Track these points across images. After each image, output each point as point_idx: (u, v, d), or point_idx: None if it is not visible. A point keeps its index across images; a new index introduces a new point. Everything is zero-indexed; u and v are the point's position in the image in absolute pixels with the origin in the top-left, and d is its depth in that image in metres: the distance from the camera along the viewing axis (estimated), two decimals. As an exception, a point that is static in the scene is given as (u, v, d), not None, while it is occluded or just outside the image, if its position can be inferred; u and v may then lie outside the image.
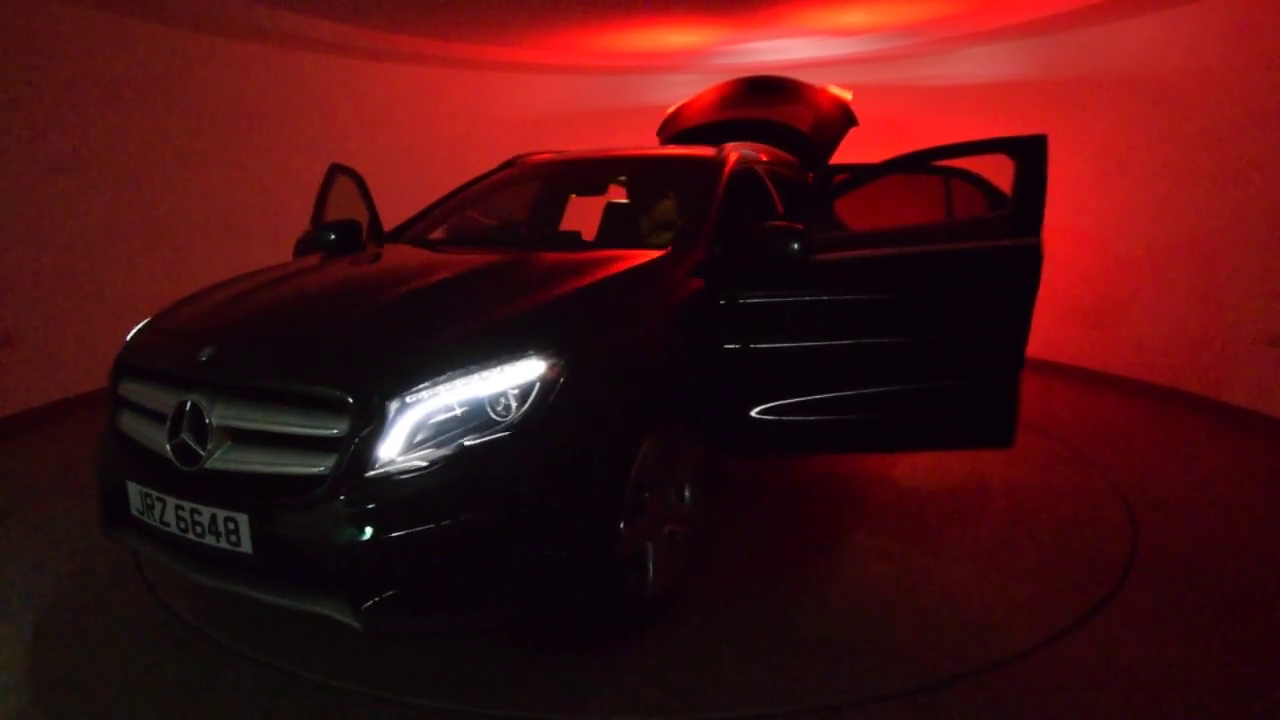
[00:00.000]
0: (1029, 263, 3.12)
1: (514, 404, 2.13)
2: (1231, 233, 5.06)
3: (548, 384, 2.16)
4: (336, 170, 4.09)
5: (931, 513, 3.64)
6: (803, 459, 4.27)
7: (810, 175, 4.46)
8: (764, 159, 3.86)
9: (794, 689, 2.31)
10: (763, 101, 4.94)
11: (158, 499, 2.22)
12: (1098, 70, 5.93)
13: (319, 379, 2.16)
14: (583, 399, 2.24)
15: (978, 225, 3.54)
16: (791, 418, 3.18)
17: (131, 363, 2.54)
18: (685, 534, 2.79)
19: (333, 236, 3.42)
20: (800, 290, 3.10)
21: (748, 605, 2.78)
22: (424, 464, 2.05)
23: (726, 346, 3.02)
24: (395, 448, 2.05)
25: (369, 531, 2.00)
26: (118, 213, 5.52)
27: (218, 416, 2.18)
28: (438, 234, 3.68)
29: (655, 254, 2.91)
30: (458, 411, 2.10)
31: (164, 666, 2.41)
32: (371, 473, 2.03)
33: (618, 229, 3.63)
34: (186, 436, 2.20)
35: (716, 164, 3.49)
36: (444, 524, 2.04)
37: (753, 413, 3.13)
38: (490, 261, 2.97)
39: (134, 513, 2.32)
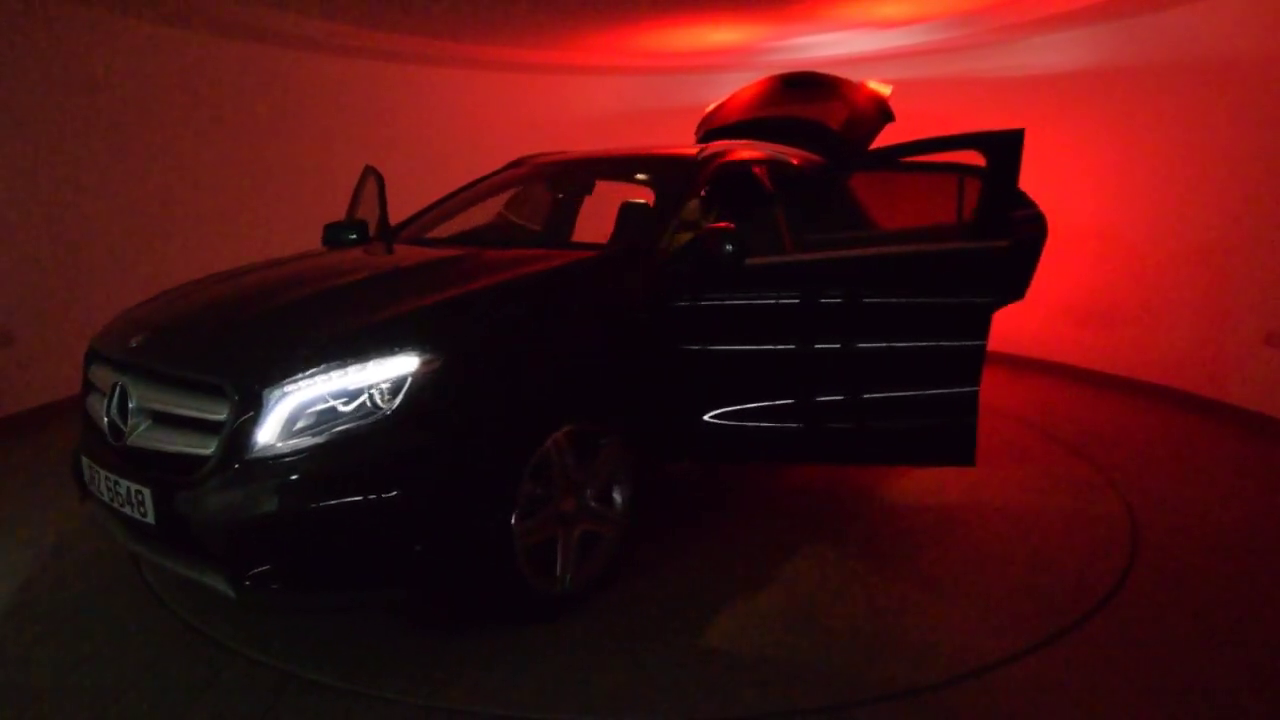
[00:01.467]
0: (993, 269, 2.98)
1: (386, 397, 2.23)
2: None
3: (420, 379, 2.26)
4: (369, 171, 4.23)
5: (909, 524, 3.49)
6: (795, 469, 4.11)
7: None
8: (762, 157, 3.77)
9: (658, 699, 2.29)
10: (797, 99, 4.83)
11: (95, 470, 2.47)
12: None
13: (208, 368, 2.36)
14: (461, 395, 2.35)
15: (971, 228, 3.36)
16: (741, 424, 3.12)
17: (95, 348, 2.76)
18: (612, 536, 2.84)
19: (343, 234, 3.68)
20: (738, 294, 3.04)
21: (663, 611, 2.76)
22: (301, 450, 2.18)
23: (676, 349, 3.01)
24: (272, 433, 2.19)
25: (245, 510, 2.17)
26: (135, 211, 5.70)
27: (137, 398, 2.42)
28: (432, 231, 3.79)
29: (586, 255, 3.02)
30: (334, 402, 2.22)
31: (164, 666, 2.42)
32: (250, 456, 2.17)
33: (630, 227, 3.60)
34: (115, 415, 2.45)
35: (692, 164, 3.44)
36: (317, 506, 2.18)
37: (704, 418, 3.09)
38: (421, 260, 3.12)
39: (85, 482, 2.56)
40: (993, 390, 5.69)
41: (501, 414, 2.44)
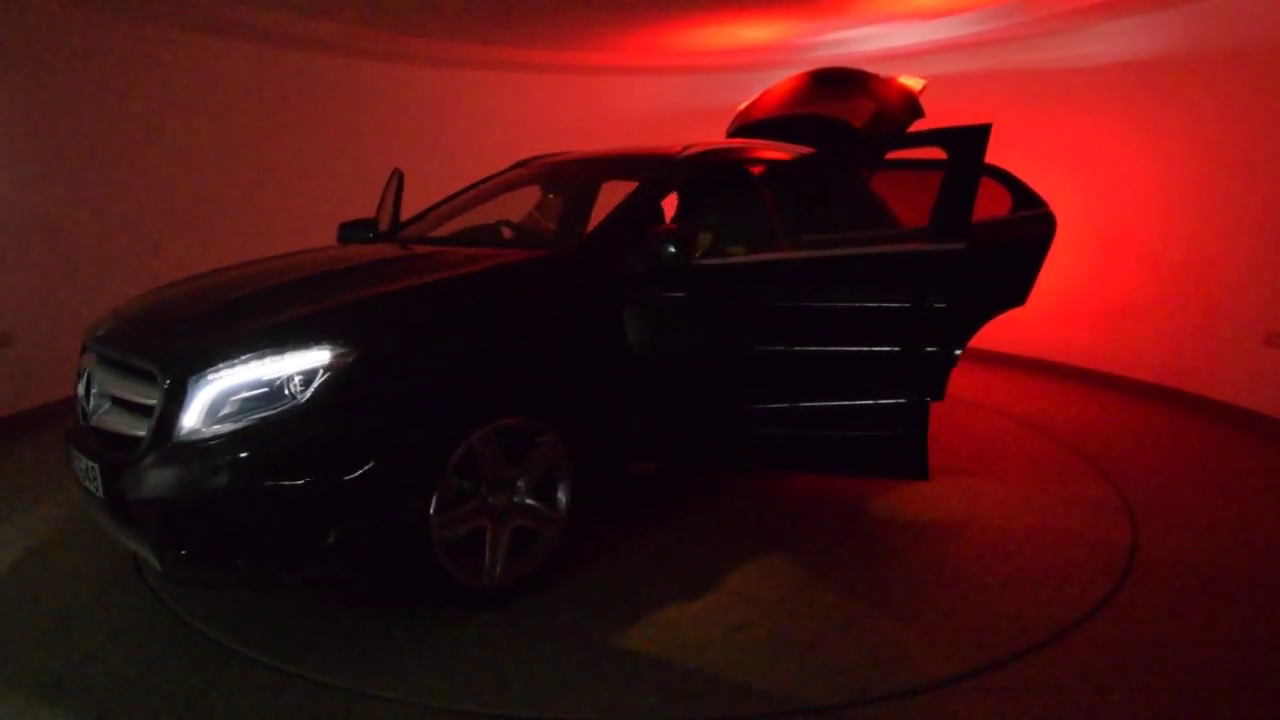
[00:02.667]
0: (947, 273, 2.88)
1: (300, 387, 2.33)
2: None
3: (332, 371, 2.35)
4: (395, 173, 4.39)
5: (888, 534, 3.38)
6: (788, 477, 4.01)
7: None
8: (752, 156, 3.70)
9: (557, 697, 2.30)
10: (826, 95, 4.70)
11: (69, 448, 2.67)
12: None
13: (145, 356, 2.52)
14: (374, 388, 2.43)
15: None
16: (686, 427, 3.10)
17: (84, 336, 2.93)
18: (550, 534, 2.87)
19: (353, 232, 3.85)
20: (683, 294, 3.01)
21: (595, 610, 2.76)
22: (222, 435, 2.30)
23: (623, 349, 3.00)
24: (197, 418, 2.32)
25: (170, 489, 2.30)
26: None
27: (98, 382, 2.64)
28: (433, 230, 3.84)
29: (530, 254, 3.08)
30: (254, 391, 2.33)
31: (164, 666, 2.43)
32: (177, 439, 2.32)
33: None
34: (83, 397, 2.69)
35: (669, 163, 3.41)
36: (234, 489, 2.29)
37: (652, 419, 3.09)
38: (372, 259, 3.19)
39: (69, 461, 2.71)
40: (994, 391, 5.74)
41: (416, 408, 2.50)
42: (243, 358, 2.35)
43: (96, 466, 2.46)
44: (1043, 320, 6.21)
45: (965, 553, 3.21)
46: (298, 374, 2.33)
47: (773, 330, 3.07)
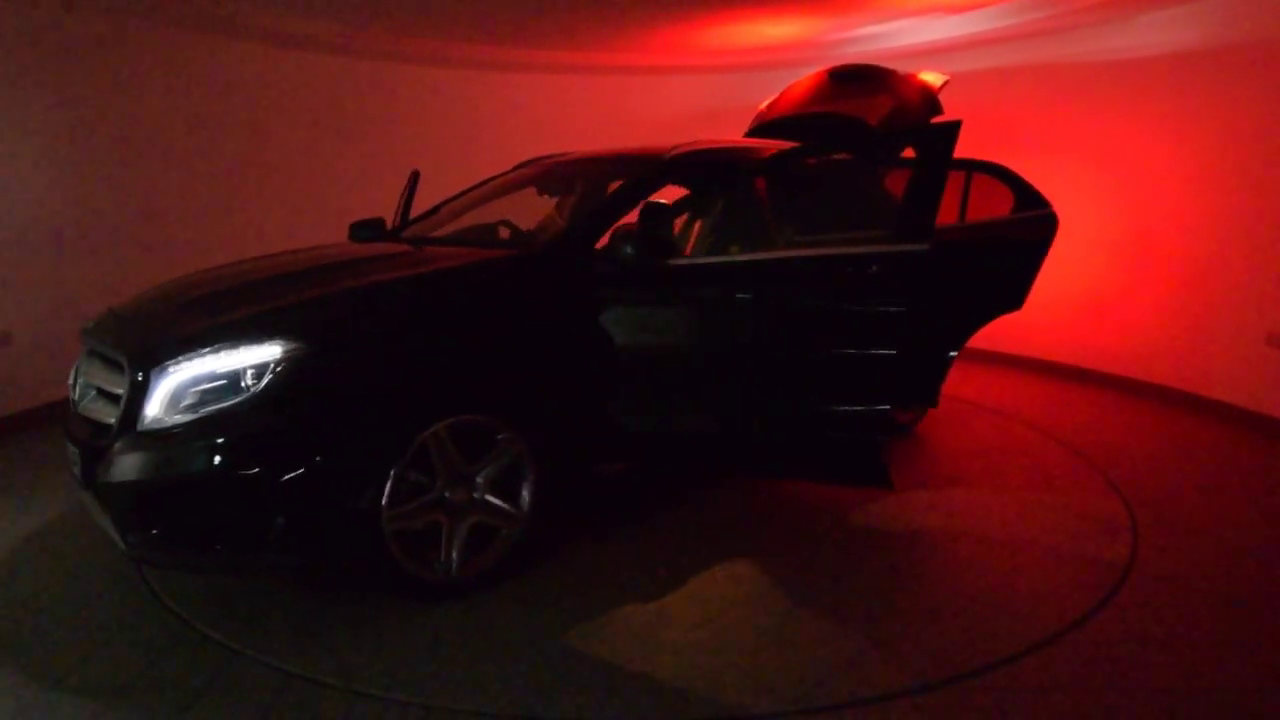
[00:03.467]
0: (912, 275, 2.83)
1: (252, 380, 2.43)
2: None
3: (283, 366, 2.44)
4: (414, 174, 4.49)
5: (867, 543, 3.30)
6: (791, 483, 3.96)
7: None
8: (751, 154, 3.66)
9: (489, 692, 2.33)
10: (844, 93, 4.65)
11: (64, 437, 2.77)
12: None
13: (117, 347, 2.64)
14: (324, 383, 2.51)
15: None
16: (648, 429, 3.10)
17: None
18: (511, 530, 2.90)
19: (361, 231, 3.92)
20: (643, 295, 3.02)
21: (546, 608, 2.78)
22: (181, 424, 2.42)
23: (589, 349, 3.02)
24: (159, 407, 2.45)
25: (131, 474, 2.42)
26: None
27: (85, 372, 2.79)
28: (435, 230, 3.88)
29: (496, 254, 3.10)
30: (212, 384, 2.44)
31: (164, 666, 2.45)
32: (142, 427, 2.45)
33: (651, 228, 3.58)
34: (72, 386, 2.83)
35: (651, 164, 3.39)
36: (190, 475, 2.39)
37: (615, 420, 3.09)
38: (346, 257, 3.23)
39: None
40: (992, 391, 5.70)
41: (366, 403, 2.56)
42: (200, 351, 2.47)
43: (78, 451, 2.61)
44: (1063, 323, 6.13)
45: (957, 556, 3.17)
46: (250, 368, 2.44)
47: (732, 332, 3.05)
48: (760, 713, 2.26)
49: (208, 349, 2.47)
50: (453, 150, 6.92)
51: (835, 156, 3.85)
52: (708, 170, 3.60)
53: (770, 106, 5.24)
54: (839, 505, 3.60)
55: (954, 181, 4.02)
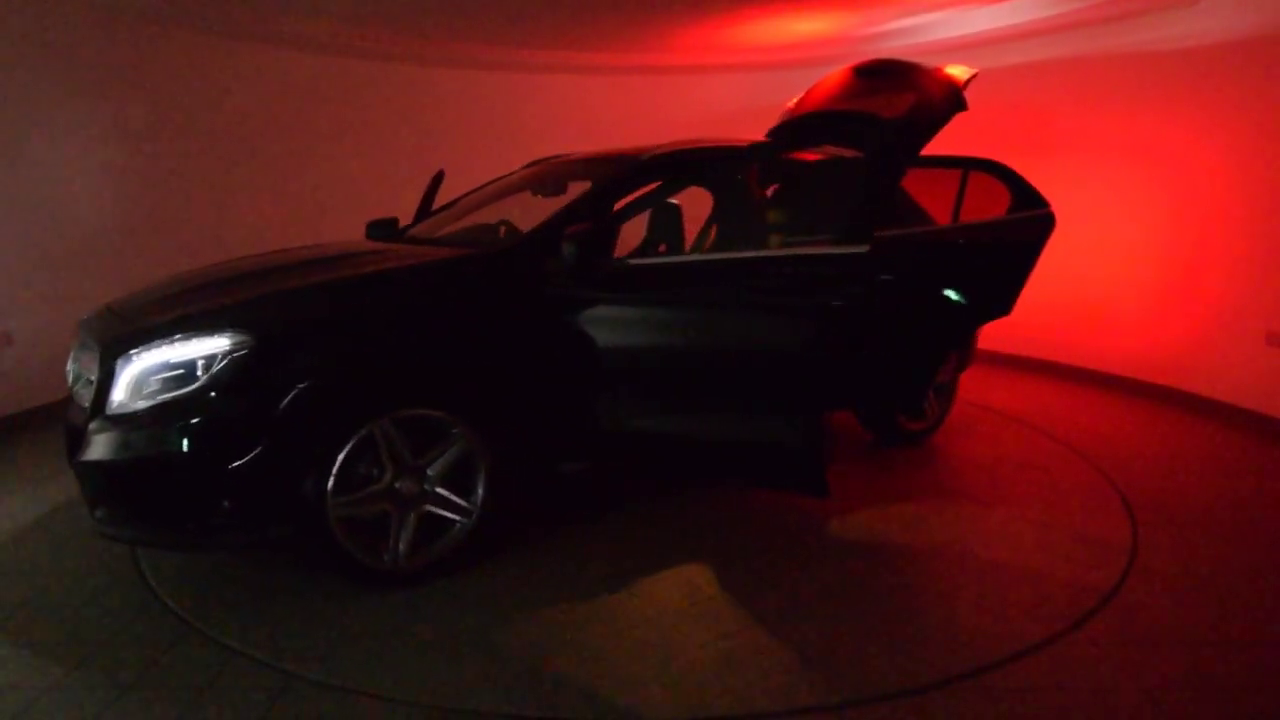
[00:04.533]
0: (851, 277, 2.80)
1: (201, 370, 2.57)
2: None
3: (229, 357, 2.57)
4: (437, 175, 4.62)
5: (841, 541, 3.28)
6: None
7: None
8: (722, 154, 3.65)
9: (410, 684, 2.38)
10: (866, 89, 4.54)
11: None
12: None
13: (96, 337, 2.81)
14: (271, 373, 2.62)
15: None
16: (595, 428, 3.13)
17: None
18: (463, 523, 2.95)
19: (376, 230, 4.02)
20: (594, 296, 3.04)
21: (489, 602, 2.82)
22: (142, 409, 2.59)
23: (539, 348, 3.06)
24: (124, 393, 2.63)
25: (98, 454, 2.60)
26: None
27: (76, 360, 2.95)
28: (434, 231, 3.92)
29: (456, 253, 3.17)
30: (169, 372, 2.59)
31: (163, 666, 2.46)
32: (110, 412, 2.64)
33: (661, 229, 3.59)
34: (68, 374, 3.00)
35: (626, 165, 3.40)
36: (145, 457, 2.56)
37: (573, 419, 3.14)
38: (316, 256, 3.32)
39: None
40: (993, 389, 5.60)
41: (310, 395, 2.65)
42: (158, 342, 2.63)
43: (65, 433, 2.84)
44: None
45: (925, 575, 3.11)
46: (201, 358, 2.59)
47: (669, 334, 3.07)
48: (759, 712, 2.24)
49: (164, 340, 2.63)
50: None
51: (806, 157, 3.81)
52: (678, 172, 3.61)
53: (798, 104, 5.15)
54: (813, 514, 3.55)
55: (950, 180, 3.91)
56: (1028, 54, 6.14)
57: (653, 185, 3.43)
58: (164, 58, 5.75)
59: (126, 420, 2.61)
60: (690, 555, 3.19)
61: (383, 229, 3.98)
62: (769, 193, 4.06)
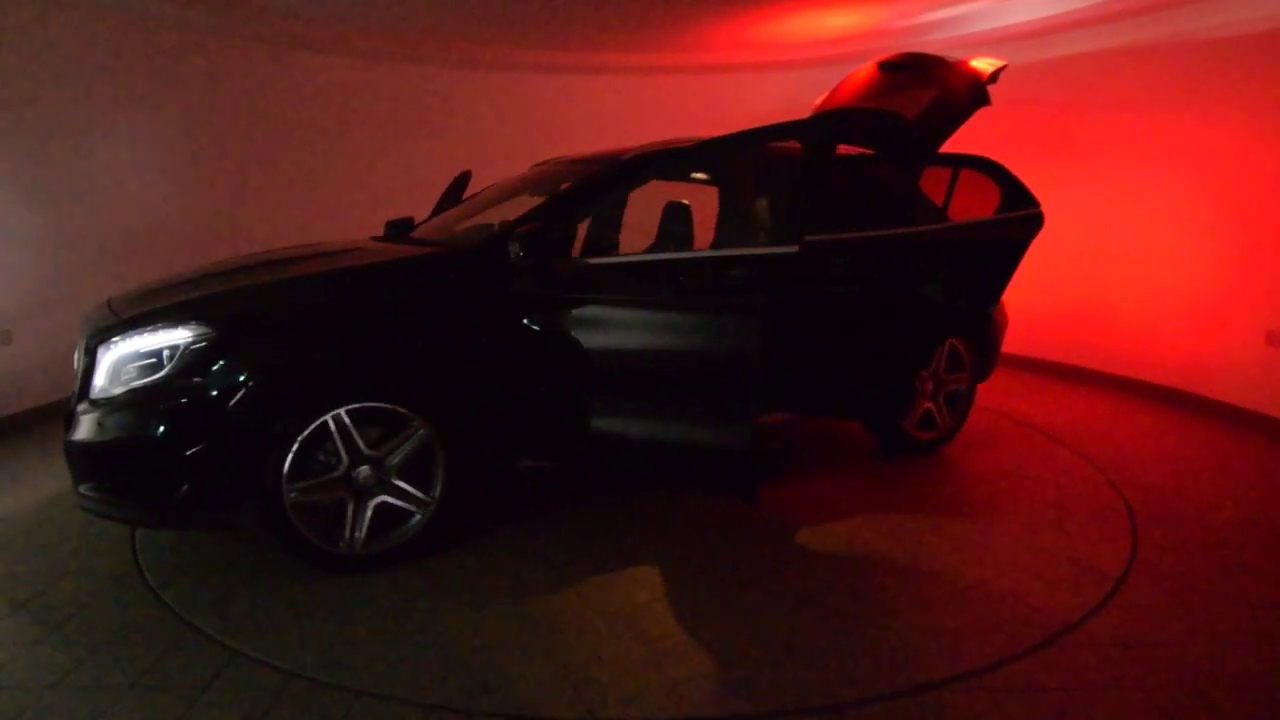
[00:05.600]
0: (782, 278, 2.77)
1: (166, 359, 2.73)
2: None
3: (192, 347, 2.74)
4: (461, 175, 4.80)
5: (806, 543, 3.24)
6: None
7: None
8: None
9: (337, 663, 2.48)
10: (892, 85, 4.43)
11: None
12: None
13: (85, 326, 3.02)
14: (229, 364, 2.74)
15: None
16: (544, 426, 3.18)
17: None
18: (420, 514, 3.05)
19: (391, 230, 4.12)
20: (543, 295, 3.07)
21: (432, 593, 2.90)
22: (117, 394, 2.77)
23: (505, 348, 3.11)
24: (104, 379, 2.81)
25: (79, 435, 2.80)
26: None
27: (79, 348, 3.03)
28: (436, 231, 3.95)
29: (419, 252, 3.29)
30: (142, 361, 2.76)
31: (164, 666, 2.47)
32: (92, 396, 2.82)
33: (671, 228, 3.59)
34: (75, 362, 3.07)
35: (607, 165, 3.40)
36: (117, 440, 2.73)
37: (532, 416, 3.18)
38: (299, 254, 3.44)
39: None
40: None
41: (267, 385, 2.78)
42: (132, 332, 2.80)
43: (64, 420, 2.98)
44: (1060, 323, 5.96)
45: (907, 575, 3.05)
46: (166, 348, 2.75)
47: (619, 334, 3.06)
48: (758, 712, 2.25)
49: (136, 330, 2.79)
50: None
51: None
52: (654, 172, 3.60)
53: (825, 101, 5.06)
54: (797, 520, 3.51)
55: (941, 179, 3.80)
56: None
57: (634, 185, 3.42)
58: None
59: (106, 404, 2.79)
60: (652, 556, 3.20)
61: (398, 229, 4.05)
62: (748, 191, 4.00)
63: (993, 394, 5.40)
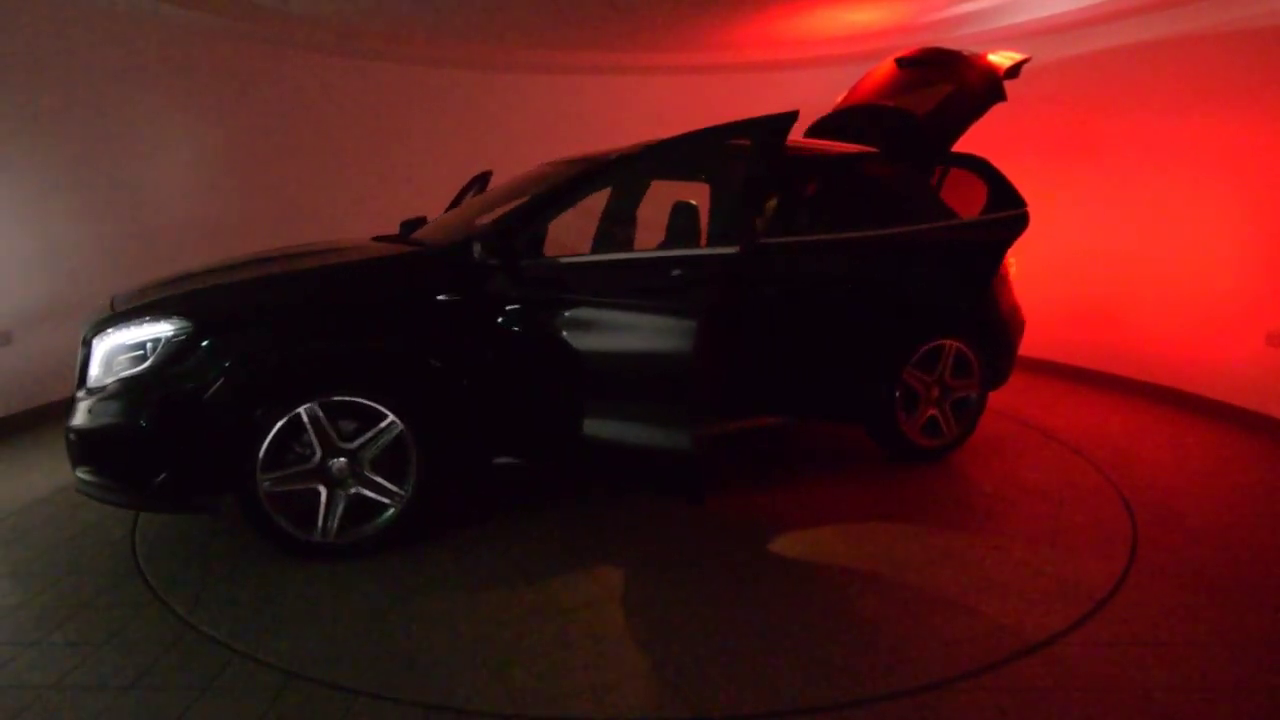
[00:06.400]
0: (721, 278, 2.73)
1: (149, 352, 2.88)
2: None
3: (171, 341, 2.87)
4: (479, 176, 4.89)
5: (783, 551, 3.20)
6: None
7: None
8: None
9: (337, 663, 2.50)
10: (909, 81, 4.37)
11: None
12: None
13: (88, 319, 3.15)
14: (204, 358, 2.86)
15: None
16: (507, 423, 3.22)
17: None
18: (392, 506, 3.14)
19: (404, 229, 4.19)
20: (509, 294, 3.11)
21: (399, 585, 2.97)
22: (108, 385, 2.91)
23: (477, 346, 3.14)
24: (98, 369, 2.96)
25: (75, 422, 2.94)
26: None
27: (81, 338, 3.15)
28: (435, 231, 4.02)
29: (392, 251, 3.36)
30: (130, 353, 2.91)
31: (164, 666, 2.49)
32: (88, 385, 2.97)
33: (678, 227, 3.56)
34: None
35: (593, 166, 3.41)
36: (106, 427, 2.88)
37: (504, 415, 3.22)
38: (292, 252, 3.53)
39: None
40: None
41: (241, 378, 2.89)
42: (121, 325, 2.94)
43: (66, 409, 3.12)
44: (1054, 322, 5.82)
45: (869, 587, 2.95)
46: (149, 341, 2.88)
47: (580, 333, 3.07)
48: (758, 712, 2.24)
49: (125, 324, 2.93)
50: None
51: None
52: (639, 171, 3.71)
53: (845, 98, 5.01)
54: (779, 525, 3.48)
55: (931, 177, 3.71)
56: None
57: (594, 189, 3.46)
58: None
59: (99, 392, 2.93)
60: (616, 556, 3.21)
61: (412, 228, 4.11)
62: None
63: (992, 393, 5.28)
